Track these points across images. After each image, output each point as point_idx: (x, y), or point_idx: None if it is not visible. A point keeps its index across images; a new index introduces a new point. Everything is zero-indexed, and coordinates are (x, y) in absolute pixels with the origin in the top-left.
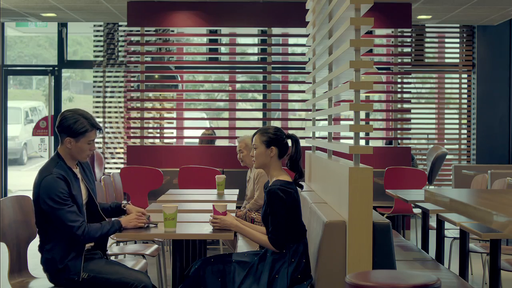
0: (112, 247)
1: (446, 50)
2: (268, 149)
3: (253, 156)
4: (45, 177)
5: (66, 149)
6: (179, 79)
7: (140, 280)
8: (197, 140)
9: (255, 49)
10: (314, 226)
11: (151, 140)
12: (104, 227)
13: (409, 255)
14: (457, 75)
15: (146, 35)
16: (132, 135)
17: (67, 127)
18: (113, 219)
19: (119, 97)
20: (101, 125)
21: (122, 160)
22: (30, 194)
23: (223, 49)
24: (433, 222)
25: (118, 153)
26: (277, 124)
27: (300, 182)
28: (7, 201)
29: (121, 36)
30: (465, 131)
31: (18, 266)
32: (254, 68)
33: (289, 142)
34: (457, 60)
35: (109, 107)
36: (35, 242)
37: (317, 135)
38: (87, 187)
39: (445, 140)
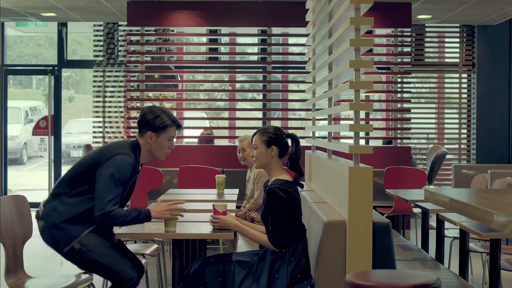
0: None
1: (446, 50)
2: (269, 148)
3: (253, 156)
4: (122, 155)
5: (146, 144)
6: (179, 78)
7: (128, 273)
8: (197, 140)
9: (255, 49)
10: (314, 225)
11: None
12: (129, 215)
13: (409, 255)
14: (457, 75)
15: (146, 34)
16: (132, 135)
17: (148, 122)
18: (143, 210)
19: (119, 96)
20: (100, 124)
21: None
22: (29, 194)
23: (223, 48)
24: (433, 222)
25: None
26: (277, 123)
27: (300, 182)
28: (3, 201)
29: (121, 35)
30: (465, 131)
31: (14, 265)
32: (254, 68)
33: (289, 141)
34: (457, 60)
35: (109, 107)
36: (31, 241)
37: (317, 134)
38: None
39: (445, 140)
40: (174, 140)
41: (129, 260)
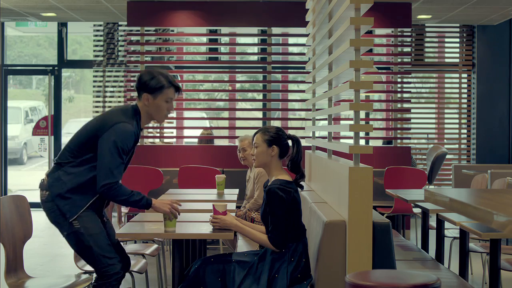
0: None
1: (446, 50)
2: (270, 148)
3: (253, 155)
4: (124, 123)
5: (144, 107)
6: (179, 78)
7: (115, 267)
8: (197, 140)
9: (255, 49)
10: (314, 225)
11: (151, 140)
12: (133, 196)
13: (409, 255)
14: (457, 75)
15: (146, 34)
16: None
17: (144, 83)
18: (147, 197)
19: (119, 96)
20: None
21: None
22: (29, 194)
23: (223, 48)
24: (433, 222)
25: None
26: (277, 123)
27: (300, 183)
28: (3, 201)
29: (121, 35)
30: (465, 131)
31: (14, 265)
32: (254, 68)
33: (290, 143)
34: (457, 60)
35: (109, 107)
36: (31, 241)
37: (317, 134)
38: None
39: (445, 140)
40: (174, 103)
41: (119, 254)
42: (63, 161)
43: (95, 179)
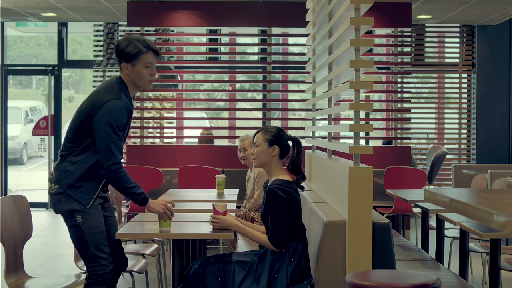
0: None
1: (446, 50)
2: (271, 147)
3: (253, 154)
4: (113, 100)
5: (127, 77)
6: (179, 78)
7: (105, 267)
8: (197, 140)
9: (255, 49)
10: (314, 225)
11: (151, 140)
12: (134, 188)
13: (409, 255)
14: (457, 75)
15: (146, 34)
16: (132, 134)
17: (120, 51)
18: (146, 194)
19: None
20: None
21: (122, 160)
22: (29, 194)
23: (223, 48)
24: (433, 222)
25: None
26: (277, 123)
27: (301, 184)
28: (3, 201)
29: (121, 35)
30: (465, 131)
31: (14, 265)
32: (254, 68)
33: (290, 143)
34: (457, 60)
35: None
36: (31, 241)
37: (317, 134)
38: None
39: (445, 140)
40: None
41: (116, 254)
42: (65, 152)
43: (97, 165)
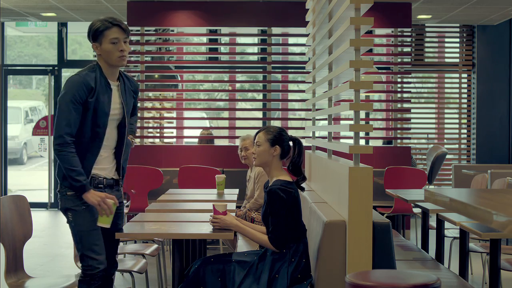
0: None
1: (446, 50)
2: (272, 148)
3: (254, 153)
4: (72, 76)
5: (99, 57)
6: (179, 78)
7: (93, 268)
8: (197, 140)
9: (255, 49)
10: (314, 225)
11: (151, 140)
12: (73, 172)
13: (409, 255)
14: (457, 75)
15: (146, 34)
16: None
17: (88, 33)
18: (86, 183)
19: None
20: None
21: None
22: (29, 194)
23: (222, 48)
24: (433, 222)
25: None
26: (277, 123)
27: (301, 185)
28: (3, 201)
29: None
30: (465, 131)
31: (14, 265)
32: (254, 68)
33: (290, 144)
34: (457, 60)
35: None
36: (31, 241)
37: (317, 134)
38: (122, 102)
39: (445, 140)
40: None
41: (107, 255)
42: None
43: (83, 146)
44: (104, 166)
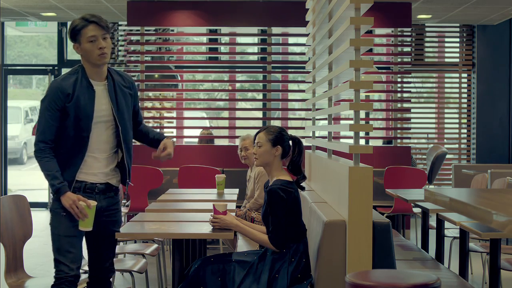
0: None
1: (446, 50)
2: (274, 148)
3: (255, 153)
4: (54, 80)
5: (82, 58)
6: (179, 78)
7: (61, 273)
8: (197, 140)
9: (255, 49)
10: (314, 225)
11: None
12: (48, 177)
13: (409, 255)
14: (457, 75)
15: (146, 34)
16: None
17: (68, 34)
18: (61, 186)
19: None
20: None
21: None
22: (29, 194)
23: (223, 48)
24: (433, 222)
25: None
26: (277, 123)
27: (301, 185)
28: (3, 201)
29: (121, 35)
30: (465, 131)
31: (14, 265)
32: (254, 68)
33: (290, 143)
34: (457, 60)
35: None
36: (31, 241)
37: (317, 134)
38: (110, 102)
39: (445, 140)
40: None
41: (80, 264)
42: None
43: (66, 150)
44: (94, 171)
